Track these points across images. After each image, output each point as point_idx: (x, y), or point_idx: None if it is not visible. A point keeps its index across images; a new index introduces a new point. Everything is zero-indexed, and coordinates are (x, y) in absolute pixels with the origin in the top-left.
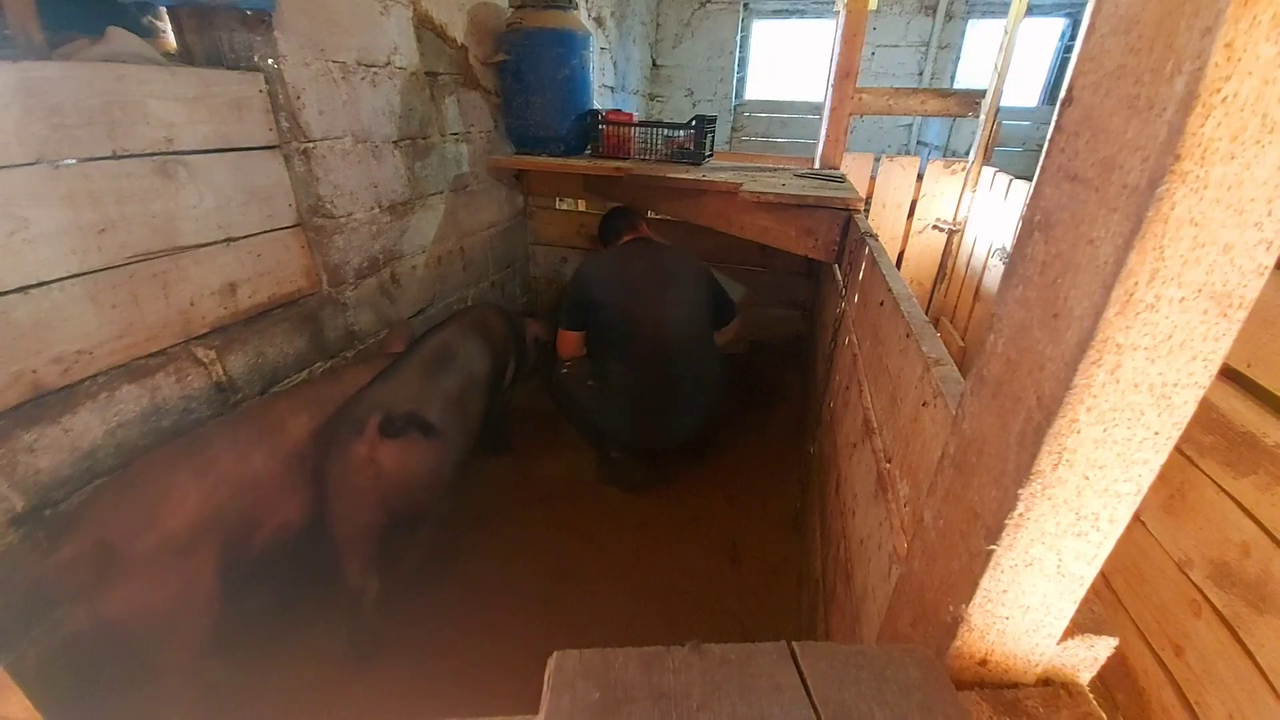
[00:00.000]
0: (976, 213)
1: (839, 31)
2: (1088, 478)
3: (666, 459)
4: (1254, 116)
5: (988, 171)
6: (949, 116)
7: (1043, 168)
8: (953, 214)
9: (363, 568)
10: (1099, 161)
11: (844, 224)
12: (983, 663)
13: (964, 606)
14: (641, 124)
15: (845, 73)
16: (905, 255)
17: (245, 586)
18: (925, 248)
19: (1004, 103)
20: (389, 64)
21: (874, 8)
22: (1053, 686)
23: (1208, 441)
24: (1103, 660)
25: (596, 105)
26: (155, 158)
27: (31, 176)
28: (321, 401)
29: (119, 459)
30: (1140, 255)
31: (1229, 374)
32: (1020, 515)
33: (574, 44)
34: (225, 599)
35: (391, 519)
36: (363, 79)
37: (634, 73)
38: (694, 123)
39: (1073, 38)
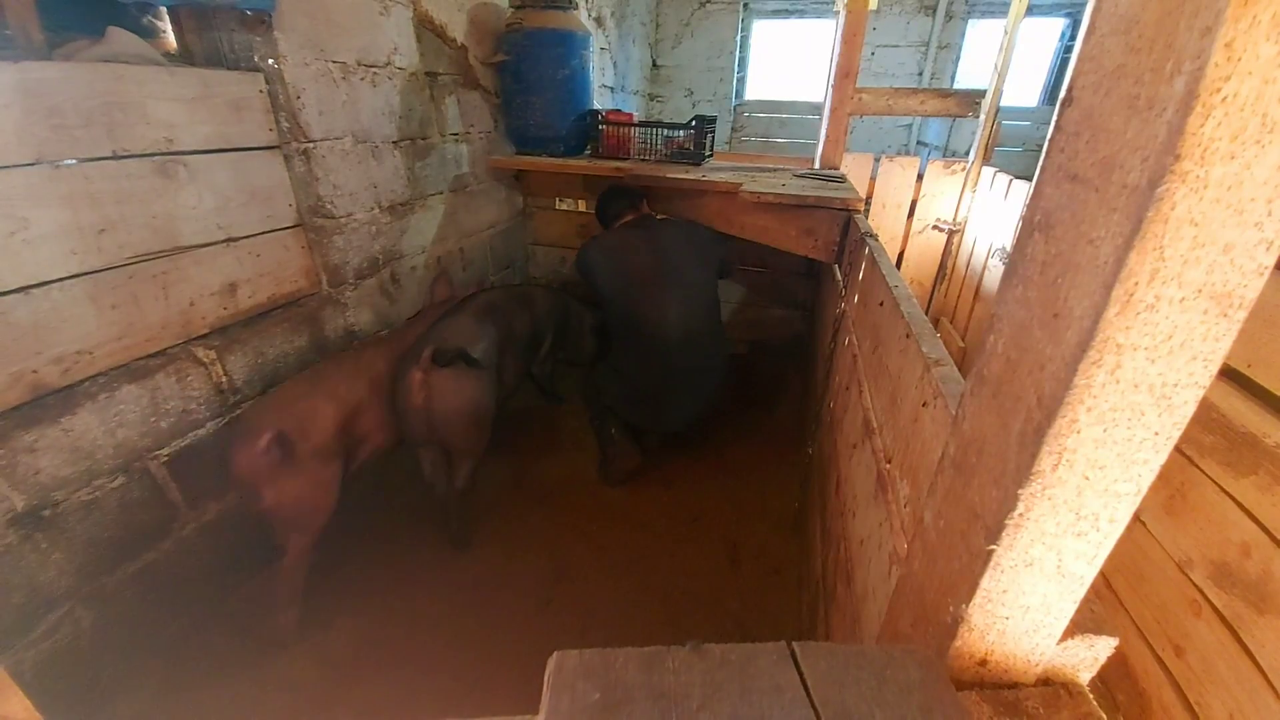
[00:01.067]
0: (976, 213)
1: (839, 31)
2: (1088, 478)
3: (659, 444)
4: (1254, 116)
5: (988, 171)
6: (949, 116)
7: (1043, 168)
8: (953, 214)
9: (434, 465)
10: (1099, 161)
11: (844, 224)
12: (983, 663)
13: (964, 607)
14: (641, 124)
15: (845, 73)
16: (905, 255)
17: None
18: (925, 248)
19: (1004, 103)
20: (389, 64)
21: (874, 8)
22: (1053, 686)
23: (1208, 442)
24: (1103, 660)
25: (596, 105)
26: (155, 158)
27: (31, 177)
28: (395, 349)
29: (119, 459)
30: (1140, 255)
31: (1229, 374)
32: (1020, 515)
33: (574, 44)
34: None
35: (440, 439)
36: (363, 79)
37: (634, 73)
38: (694, 123)
39: (1073, 38)
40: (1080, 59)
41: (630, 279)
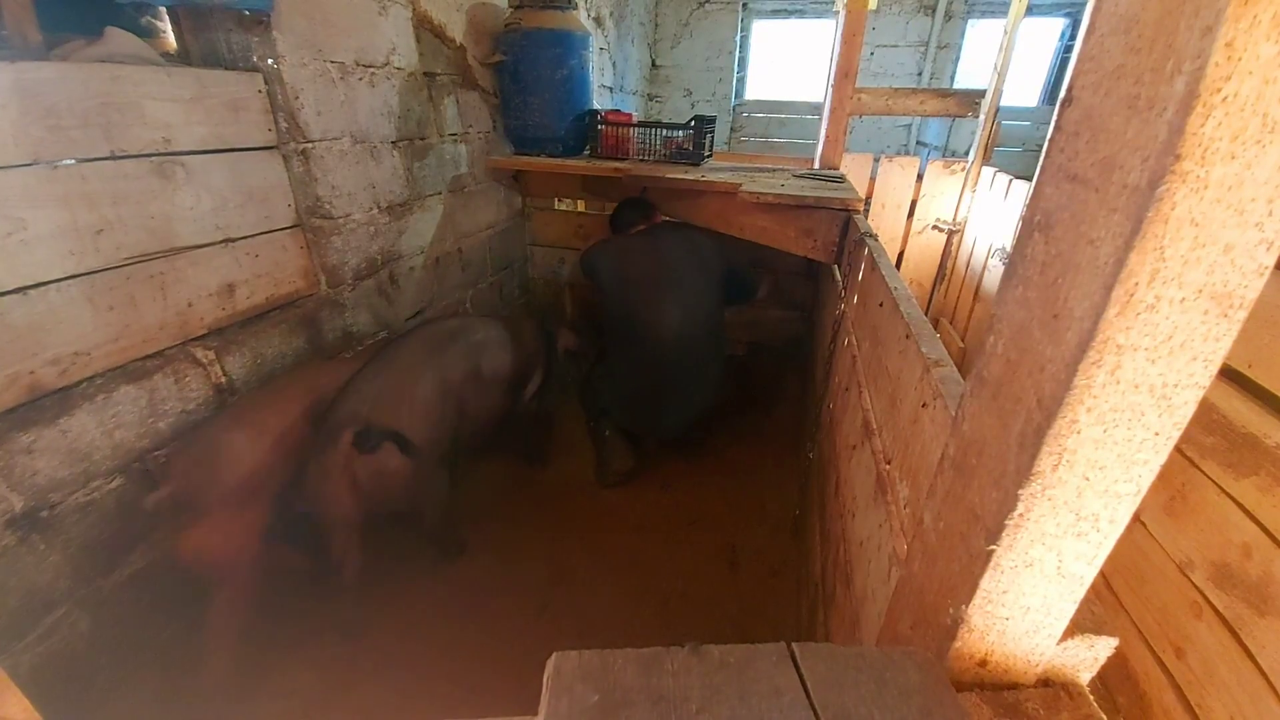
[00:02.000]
0: (976, 213)
1: (838, 31)
2: (1088, 478)
3: (656, 448)
4: (1254, 116)
5: (988, 171)
6: (948, 116)
7: (1043, 168)
8: (952, 214)
9: (342, 549)
10: (1099, 161)
11: (843, 224)
12: (983, 664)
13: (964, 608)
14: (640, 124)
15: (845, 73)
16: (905, 255)
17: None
18: (925, 248)
19: (1004, 103)
20: (387, 64)
21: (873, 8)
22: (1053, 688)
23: (1209, 442)
24: (1103, 660)
25: (595, 105)
26: (152, 158)
27: (28, 177)
28: (344, 373)
29: (117, 461)
30: (1141, 255)
31: (1230, 375)
32: (1020, 516)
33: (572, 44)
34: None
35: (376, 514)
36: (361, 79)
37: (633, 73)
38: (693, 123)
39: (1073, 38)
40: (1080, 59)
41: (629, 281)
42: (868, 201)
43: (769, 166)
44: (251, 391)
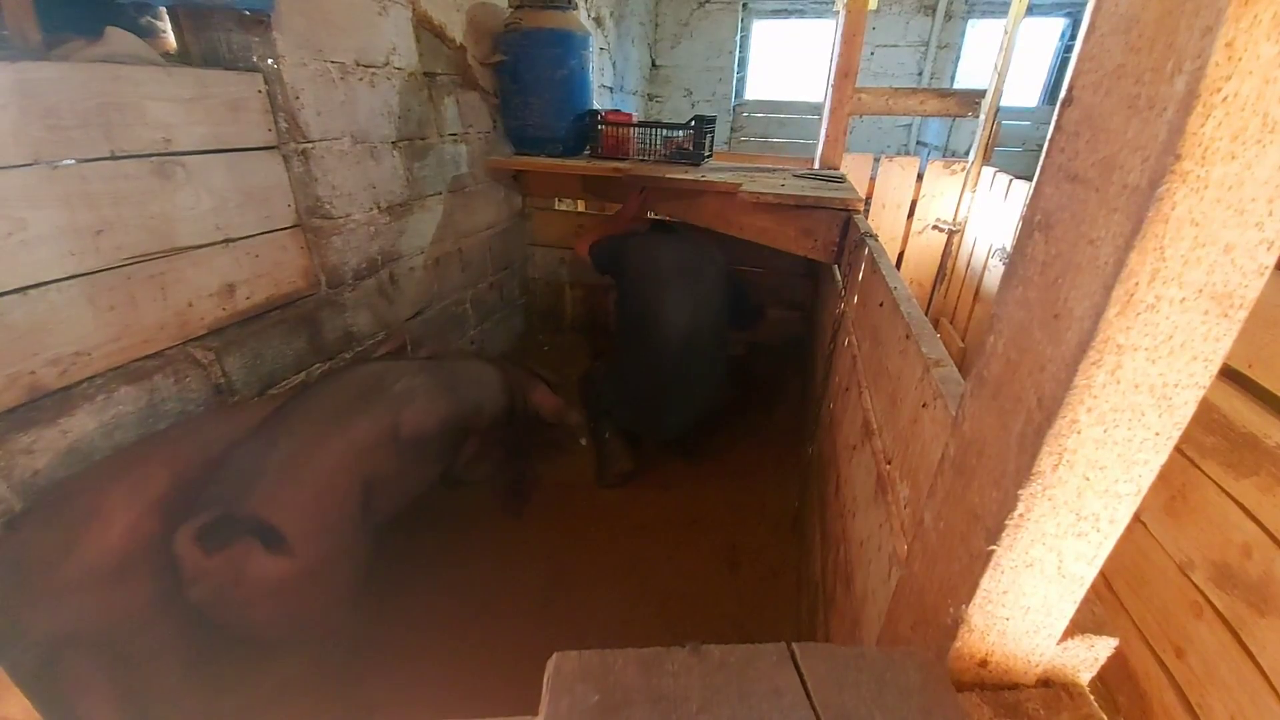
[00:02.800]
0: (976, 213)
1: (838, 31)
2: (1088, 478)
3: (656, 449)
4: (1255, 116)
5: (988, 171)
6: (949, 116)
7: (1043, 168)
8: (953, 214)
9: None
10: (1099, 161)
11: (843, 224)
12: (983, 664)
13: (964, 608)
14: (640, 124)
15: (845, 73)
16: (905, 256)
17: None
18: (925, 248)
19: (1004, 103)
20: (387, 64)
21: (874, 8)
22: (1053, 688)
23: (1209, 442)
24: (1103, 660)
25: (595, 105)
26: (152, 159)
27: (28, 178)
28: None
29: None
30: (1141, 255)
31: (1230, 375)
32: (1020, 516)
33: (572, 44)
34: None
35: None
36: (361, 79)
37: (633, 73)
38: (693, 123)
39: (1073, 38)
40: (1080, 59)
41: (648, 276)
42: (868, 201)
43: (769, 166)
44: (156, 434)
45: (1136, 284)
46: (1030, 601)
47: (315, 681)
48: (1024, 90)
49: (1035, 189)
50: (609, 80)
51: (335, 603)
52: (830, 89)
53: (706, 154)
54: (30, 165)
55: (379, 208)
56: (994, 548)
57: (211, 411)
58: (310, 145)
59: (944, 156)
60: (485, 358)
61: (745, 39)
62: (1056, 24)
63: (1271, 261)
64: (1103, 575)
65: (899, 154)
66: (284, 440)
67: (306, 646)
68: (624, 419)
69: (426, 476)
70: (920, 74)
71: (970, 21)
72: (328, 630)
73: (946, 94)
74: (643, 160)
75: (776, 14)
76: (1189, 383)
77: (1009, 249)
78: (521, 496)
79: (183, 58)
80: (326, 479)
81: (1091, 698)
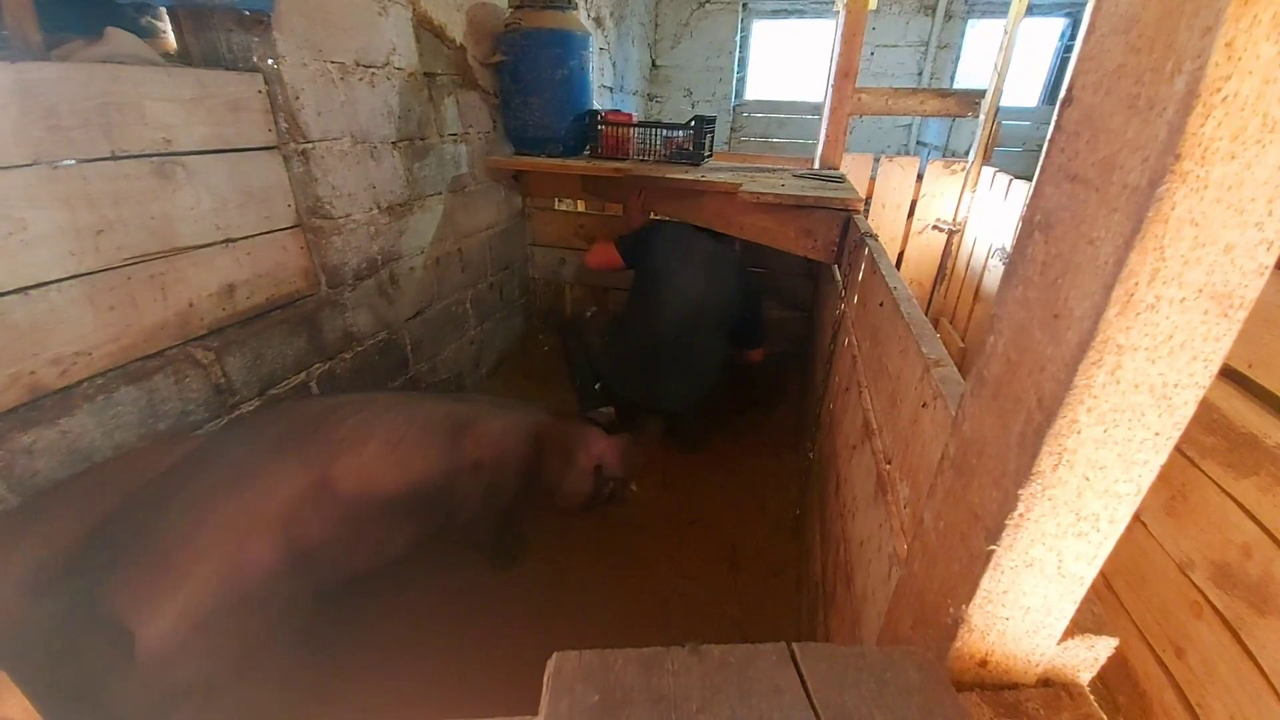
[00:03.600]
0: (976, 213)
1: (838, 31)
2: (1088, 478)
3: (660, 444)
4: (1254, 116)
5: (988, 171)
6: (949, 116)
7: (1043, 168)
8: (953, 214)
9: None
10: (1099, 161)
11: (843, 224)
12: (983, 664)
13: (964, 607)
14: (640, 124)
15: (845, 73)
16: (905, 256)
17: None
18: (925, 248)
19: (1004, 103)
20: (387, 64)
21: (874, 8)
22: (1053, 687)
23: (1209, 442)
24: (1103, 660)
25: (595, 106)
26: (153, 159)
27: (29, 178)
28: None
29: None
30: (1141, 255)
31: (1230, 374)
32: (1020, 516)
33: (572, 44)
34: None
35: None
36: (361, 80)
37: (633, 73)
38: (693, 123)
39: (1073, 38)
40: (1080, 59)
41: (673, 256)
42: (868, 201)
43: (769, 166)
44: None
45: (1136, 284)
46: (1030, 601)
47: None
48: (1024, 90)
49: (1035, 189)
50: (609, 80)
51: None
52: (830, 89)
53: (706, 154)
54: (31, 165)
55: (379, 208)
56: (994, 547)
57: (126, 454)
58: (310, 145)
59: (944, 156)
60: (517, 403)
61: (745, 39)
62: (1056, 24)
63: (1271, 261)
64: (1103, 575)
65: (899, 154)
66: (181, 495)
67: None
68: (614, 382)
69: (397, 542)
70: (920, 74)
71: (970, 21)
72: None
73: (946, 94)
74: (643, 160)
75: (776, 14)
76: (1189, 383)
77: (1009, 249)
78: (512, 556)
79: (183, 58)
80: (224, 548)
81: (1091, 697)
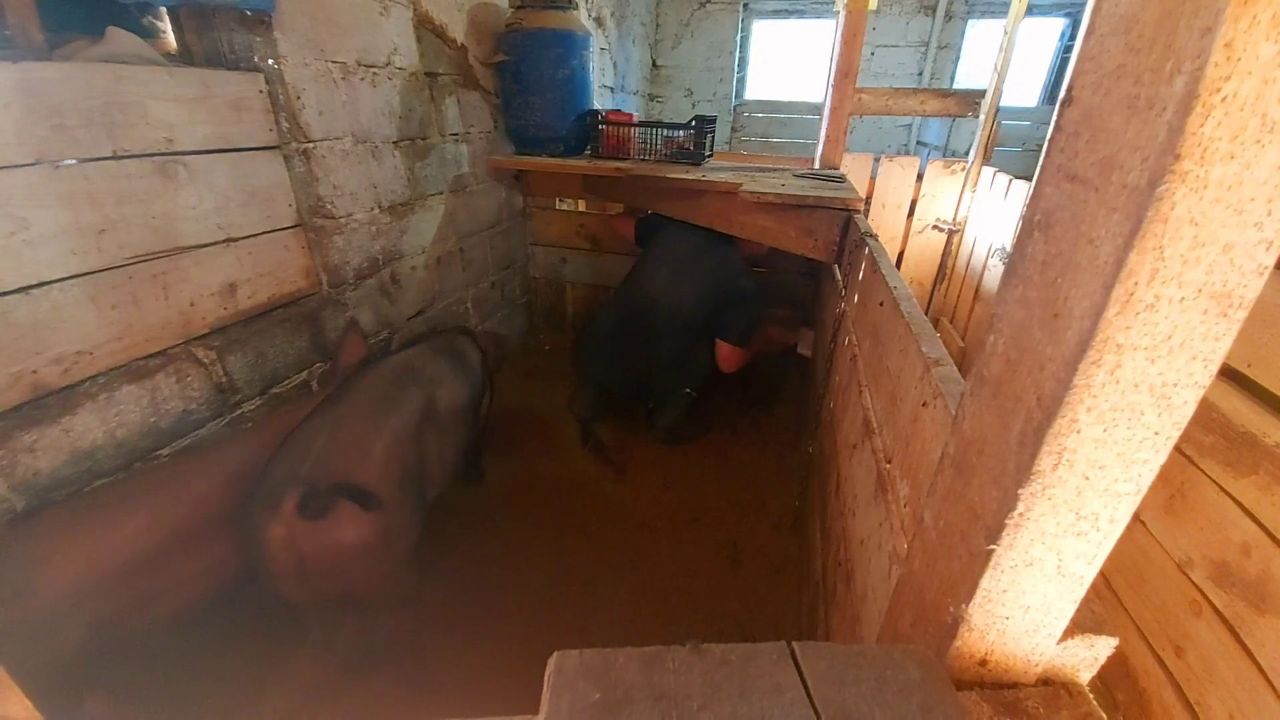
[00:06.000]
0: (976, 213)
1: (839, 31)
2: (1088, 478)
3: (661, 443)
4: (1254, 116)
5: (988, 171)
6: (949, 116)
7: (1043, 168)
8: (953, 214)
9: (322, 625)
10: (1099, 161)
11: (844, 224)
12: (983, 663)
13: (964, 606)
14: (641, 124)
15: (845, 73)
16: (905, 255)
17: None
18: (925, 248)
19: (1004, 103)
20: (389, 64)
21: (874, 8)
22: (1053, 686)
23: (1208, 441)
24: (1103, 660)
25: (596, 105)
26: (155, 158)
27: (31, 177)
28: (251, 451)
29: (119, 460)
30: (1140, 255)
31: (1229, 374)
32: (1020, 515)
33: (574, 44)
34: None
35: (331, 599)
36: (362, 79)
37: (634, 73)
38: (694, 123)
39: (1073, 38)
40: (1080, 59)
41: (664, 246)
42: (868, 201)
43: (769, 166)
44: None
45: (1136, 283)
46: (1030, 600)
47: (408, 639)
48: (1024, 90)
49: (1035, 189)
50: (610, 80)
51: (411, 564)
52: (830, 89)
53: (707, 154)
54: (34, 165)
55: (381, 207)
56: (994, 547)
57: (225, 439)
58: (312, 145)
59: (944, 156)
60: (474, 333)
61: (746, 39)
62: (1056, 24)
63: (1270, 261)
64: (1102, 574)
65: (899, 154)
66: (344, 423)
67: (398, 605)
68: (579, 358)
69: (460, 442)
70: (920, 74)
71: (970, 22)
72: (408, 589)
73: (946, 94)
74: (644, 160)
75: (777, 14)
76: (1188, 382)
77: (1009, 249)
78: (479, 467)
79: (184, 58)
80: (391, 450)
81: (1091, 697)
